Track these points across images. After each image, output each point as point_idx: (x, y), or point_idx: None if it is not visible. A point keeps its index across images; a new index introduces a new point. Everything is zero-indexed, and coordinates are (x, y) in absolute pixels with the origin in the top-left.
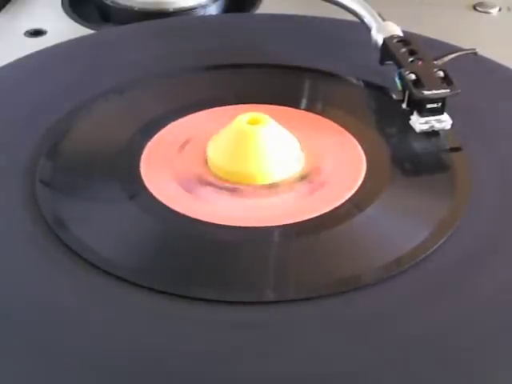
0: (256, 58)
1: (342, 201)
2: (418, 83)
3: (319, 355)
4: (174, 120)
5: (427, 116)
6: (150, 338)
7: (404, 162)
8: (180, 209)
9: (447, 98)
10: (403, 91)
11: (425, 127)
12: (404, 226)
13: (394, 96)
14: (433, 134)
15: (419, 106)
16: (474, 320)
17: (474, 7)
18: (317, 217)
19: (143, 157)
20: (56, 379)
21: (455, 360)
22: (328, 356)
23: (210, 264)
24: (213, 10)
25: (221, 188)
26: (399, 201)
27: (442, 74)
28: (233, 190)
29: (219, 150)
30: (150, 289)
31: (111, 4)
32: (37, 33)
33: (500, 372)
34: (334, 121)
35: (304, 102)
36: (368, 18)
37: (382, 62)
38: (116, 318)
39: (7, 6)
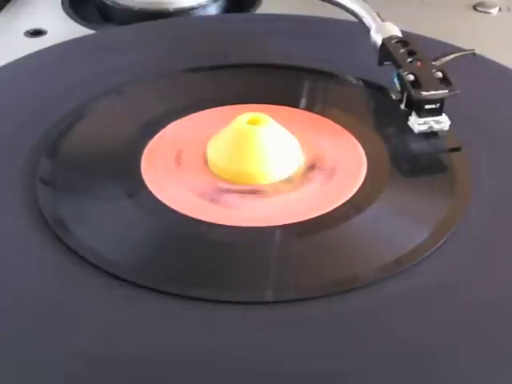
0: (256, 58)
1: (343, 201)
2: (416, 84)
3: (319, 355)
4: (173, 120)
5: (426, 117)
6: (150, 338)
7: (404, 163)
8: (180, 208)
9: (446, 99)
10: (401, 92)
11: (423, 128)
12: (404, 226)
13: (394, 96)
14: (432, 134)
15: (417, 107)
16: (474, 320)
17: (474, 7)
18: (317, 217)
19: (143, 157)
20: (56, 379)
21: (455, 360)
22: (327, 356)
23: (209, 264)
24: (213, 9)
25: (220, 188)
26: (399, 201)
27: (440, 74)
28: (232, 190)
29: (219, 150)
30: (150, 289)
31: (111, 4)
32: (37, 33)
33: (500, 372)
34: (334, 121)
35: (304, 102)
36: (367, 19)
37: (380, 62)
38: (116, 317)
39: (7, 6)
